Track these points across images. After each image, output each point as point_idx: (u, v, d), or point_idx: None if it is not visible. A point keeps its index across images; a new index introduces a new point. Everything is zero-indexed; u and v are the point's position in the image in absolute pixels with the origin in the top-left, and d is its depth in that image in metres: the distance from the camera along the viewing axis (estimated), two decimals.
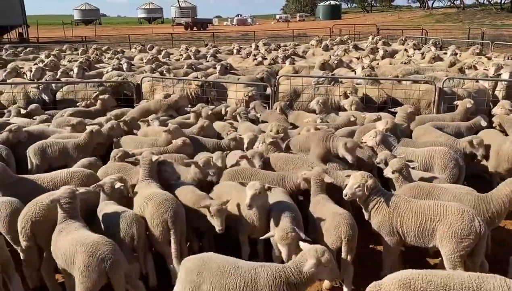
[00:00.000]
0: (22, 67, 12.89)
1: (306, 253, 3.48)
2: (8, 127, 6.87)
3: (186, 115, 8.67)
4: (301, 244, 3.74)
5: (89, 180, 5.17)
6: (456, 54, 14.32)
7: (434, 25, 43.94)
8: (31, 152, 6.45)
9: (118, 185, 4.78)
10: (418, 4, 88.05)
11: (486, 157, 6.43)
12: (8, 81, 11.13)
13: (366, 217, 4.61)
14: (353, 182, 4.48)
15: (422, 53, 15.16)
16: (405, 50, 16.42)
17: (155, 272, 4.63)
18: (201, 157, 5.51)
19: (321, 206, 4.71)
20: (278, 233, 3.97)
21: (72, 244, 3.86)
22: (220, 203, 4.52)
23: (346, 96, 9.29)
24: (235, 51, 18.81)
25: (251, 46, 20.28)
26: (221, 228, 4.44)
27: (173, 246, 4.47)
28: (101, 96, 9.28)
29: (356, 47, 17.77)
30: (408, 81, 9.80)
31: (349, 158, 5.59)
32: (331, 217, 4.41)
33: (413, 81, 9.82)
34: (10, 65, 13.18)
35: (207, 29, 57.68)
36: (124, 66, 12.82)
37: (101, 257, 3.70)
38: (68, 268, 3.93)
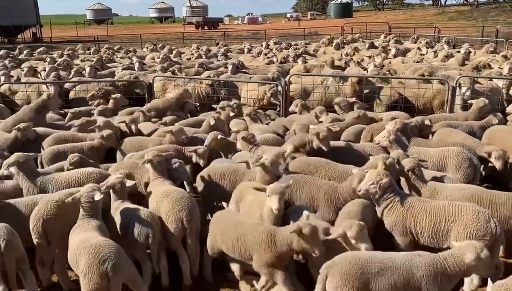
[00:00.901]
0: (37, 67, 13.04)
1: (464, 247, 3.54)
2: (17, 126, 6.89)
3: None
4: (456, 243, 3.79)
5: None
6: (469, 52, 14.15)
7: (447, 23, 43.46)
8: (44, 158, 6.36)
9: (129, 183, 4.81)
10: (430, 2, 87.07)
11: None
12: (23, 80, 11.29)
13: (379, 215, 4.58)
14: (368, 178, 4.46)
15: (435, 52, 15.02)
16: (418, 48, 16.28)
17: (167, 272, 4.64)
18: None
19: None
20: (350, 228, 3.86)
21: (77, 245, 3.90)
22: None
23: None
24: (246, 50, 18.84)
25: (262, 45, 20.26)
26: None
27: (188, 245, 4.49)
28: (113, 96, 9.36)
29: (372, 45, 17.61)
30: (420, 81, 9.72)
31: (324, 147, 5.75)
32: None
33: (426, 80, 9.74)
34: (26, 64, 13.35)
35: (218, 28, 57.81)
36: (136, 65, 12.91)
37: (103, 259, 3.69)
38: (75, 269, 3.97)
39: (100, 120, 7.14)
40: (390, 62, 13.42)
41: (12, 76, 11.62)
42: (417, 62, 12.98)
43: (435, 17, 57.04)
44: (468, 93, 8.67)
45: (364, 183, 4.46)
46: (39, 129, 7.26)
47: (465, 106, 8.68)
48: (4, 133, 7.14)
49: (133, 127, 7.27)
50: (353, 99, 8.73)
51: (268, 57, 14.73)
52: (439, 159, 5.73)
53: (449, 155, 5.69)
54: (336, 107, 8.49)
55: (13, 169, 5.24)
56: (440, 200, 4.52)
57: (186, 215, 4.48)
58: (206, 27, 57.58)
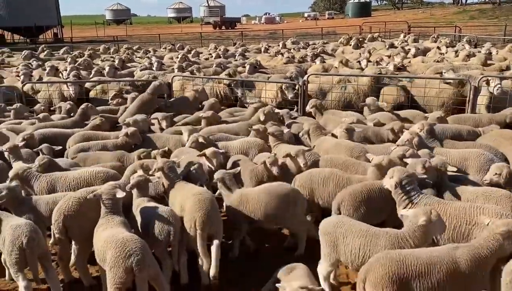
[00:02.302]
0: (58, 66, 13.28)
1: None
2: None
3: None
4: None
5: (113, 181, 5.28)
6: (490, 52, 13.86)
7: (468, 22, 42.65)
8: (70, 155, 6.56)
9: (155, 179, 4.92)
10: (451, 1, 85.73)
11: None
12: (44, 79, 11.51)
13: (399, 215, 4.51)
14: (388, 174, 4.45)
15: (456, 51, 14.75)
16: (438, 48, 16.02)
17: (187, 270, 4.68)
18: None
19: None
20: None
21: (104, 241, 3.96)
22: None
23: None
24: (263, 49, 18.81)
25: (279, 45, 20.22)
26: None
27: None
28: (130, 95, 9.51)
29: (392, 45, 17.40)
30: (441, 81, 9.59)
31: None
32: None
33: (446, 79, 9.60)
34: (48, 64, 13.61)
35: (235, 28, 57.95)
36: (155, 65, 13.04)
37: (129, 254, 3.74)
38: (102, 265, 4.03)
39: (131, 118, 7.28)
40: (409, 62, 13.25)
41: (32, 76, 11.85)
42: (437, 61, 12.80)
43: (455, 16, 56.07)
44: (498, 89, 8.52)
45: (386, 177, 4.50)
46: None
47: (489, 107, 8.55)
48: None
49: (164, 124, 7.55)
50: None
51: (286, 57, 14.68)
52: (459, 160, 5.64)
53: (470, 156, 5.60)
54: (365, 108, 8.47)
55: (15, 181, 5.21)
56: (462, 202, 4.44)
57: (201, 215, 4.49)
58: (223, 27, 57.78)
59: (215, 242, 4.55)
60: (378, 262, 3.47)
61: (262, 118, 7.20)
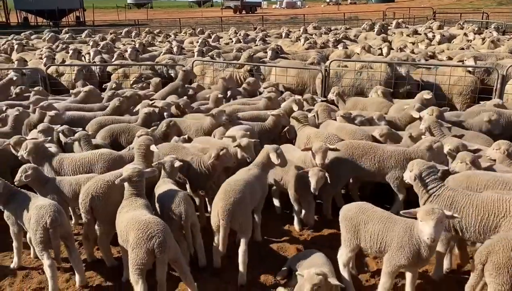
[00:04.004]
0: (81, 50, 13.41)
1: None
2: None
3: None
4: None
5: (115, 163, 5.40)
6: None
7: (496, 8, 41.26)
8: (100, 136, 6.62)
9: (177, 163, 5.00)
10: None
11: None
12: (67, 62, 11.65)
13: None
14: (408, 167, 4.38)
15: (483, 38, 14.30)
16: (465, 34, 15.56)
17: (204, 252, 4.73)
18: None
19: None
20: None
21: (128, 222, 4.02)
22: None
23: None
24: (284, 34, 18.59)
25: (300, 30, 19.94)
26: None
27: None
28: (152, 80, 9.56)
29: (416, 32, 16.98)
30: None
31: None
32: None
33: (473, 67, 9.34)
34: (71, 46, 13.76)
35: (255, 12, 57.40)
36: (174, 49, 13.05)
37: (151, 235, 3.79)
38: (125, 245, 4.10)
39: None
40: (434, 49, 12.92)
41: (55, 59, 12.00)
42: (462, 49, 12.44)
43: (483, 2, 54.19)
44: None
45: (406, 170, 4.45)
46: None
47: None
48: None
49: (187, 109, 7.62)
50: None
51: (307, 42, 14.48)
52: None
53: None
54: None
55: (26, 155, 5.39)
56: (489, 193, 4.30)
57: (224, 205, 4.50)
58: (244, 11, 57.29)
59: (242, 241, 4.47)
60: (501, 244, 3.45)
61: (295, 108, 7.03)
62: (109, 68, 11.37)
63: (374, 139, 6.09)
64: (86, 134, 6.08)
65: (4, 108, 7.48)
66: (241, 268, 4.45)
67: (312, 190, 5.06)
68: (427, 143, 5.27)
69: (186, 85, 9.45)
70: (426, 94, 7.58)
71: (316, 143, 5.39)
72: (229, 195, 4.48)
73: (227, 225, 4.41)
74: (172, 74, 11.20)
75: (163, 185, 4.83)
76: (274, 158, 4.95)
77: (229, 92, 9.13)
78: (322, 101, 7.84)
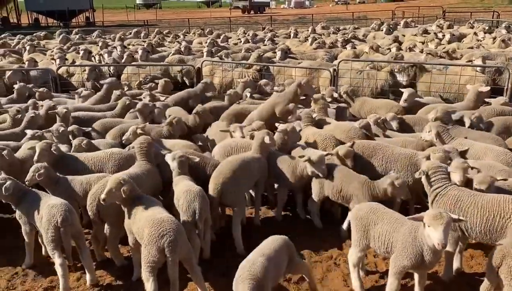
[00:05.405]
0: (91, 50, 13.51)
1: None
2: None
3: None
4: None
5: (126, 162, 5.48)
6: None
7: (507, 7, 40.82)
8: (110, 136, 6.73)
9: (192, 159, 5.14)
10: None
11: None
12: (77, 63, 11.75)
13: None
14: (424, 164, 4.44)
15: (494, 38, 14.16)
16: (475, 33, 15.42)
17: (209, 247, 4.85)
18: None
19: None
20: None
21: (144, 219, 4.08)
22: None
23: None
24: (292, 34, 18.56)
25: (308, 30, 19.90)
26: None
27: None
28: (161, 81, 9.61)
29: (425, 31, 16.86)
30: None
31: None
32: None
33: (483, 67, 9.26)
34: (82, 47, 13.87)
35: (264, 12, 57.36)
36: (183, 50, 13.09)
37: (162, 234, 3.83)
38: (142, 243, 4.12)
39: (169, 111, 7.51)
40: (444, 48, 12.81)
41: (67, 60, 12.11)
42: (472, 48, 12.33)
43: (493, 0, 53.73)
44: None
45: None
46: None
47: None
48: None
49: (197, 119, 7.33)
50: None
51: (316, 42, 14.45)
52: (479, 155, 5.46)
53: (491, 153, 5.39)
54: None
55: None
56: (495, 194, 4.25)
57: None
58: (252, 12, 57.29)
59: (234, 215, 5.06)
60: None
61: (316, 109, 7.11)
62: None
63: None
64: (78, 128, 6.46)
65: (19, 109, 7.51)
66: (235, 240, 4.93)
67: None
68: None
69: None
70: (481, 88, 7.52)
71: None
72: (220, 176, 5.01)
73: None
74: (182, 76, 11.22)
75: (180, 182, 4.91)
76: (267, 139, 5.39)
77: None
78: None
